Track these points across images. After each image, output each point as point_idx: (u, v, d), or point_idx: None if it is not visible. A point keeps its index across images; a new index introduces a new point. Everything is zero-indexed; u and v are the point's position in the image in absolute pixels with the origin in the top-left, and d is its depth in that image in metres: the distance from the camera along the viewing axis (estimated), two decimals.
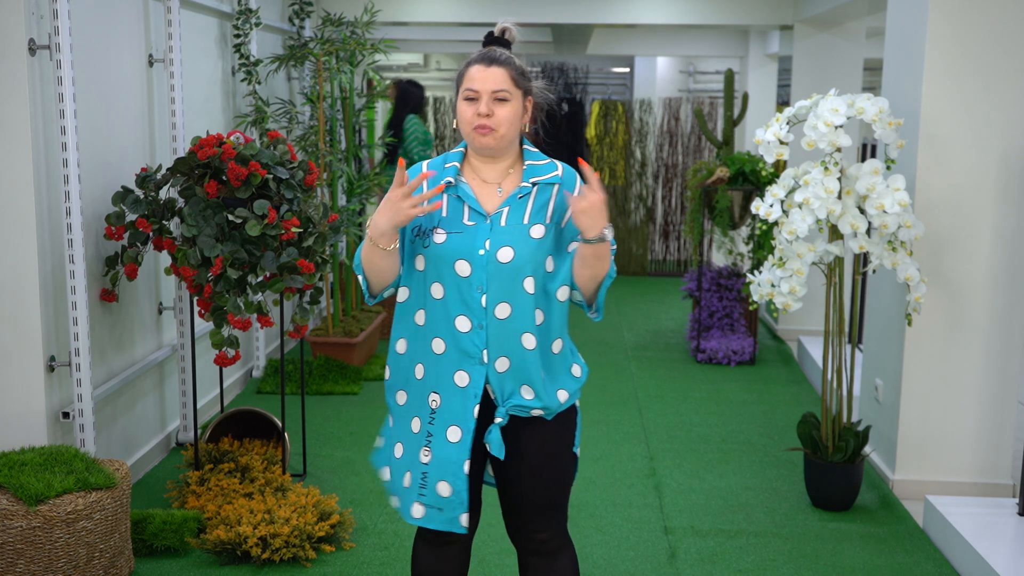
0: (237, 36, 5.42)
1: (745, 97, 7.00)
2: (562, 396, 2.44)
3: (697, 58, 11.61)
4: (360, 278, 2.43)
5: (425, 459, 2.39)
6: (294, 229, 3.76)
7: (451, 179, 2.39)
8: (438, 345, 2.38)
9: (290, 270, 3.83)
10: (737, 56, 10.24)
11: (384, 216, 2.27)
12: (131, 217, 3.95)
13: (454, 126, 2.43)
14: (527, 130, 2.45)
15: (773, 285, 3.91)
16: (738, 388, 5.90)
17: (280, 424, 4.23)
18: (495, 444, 2.38)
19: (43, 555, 3.09)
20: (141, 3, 4.36)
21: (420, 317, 2.41)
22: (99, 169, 3.96)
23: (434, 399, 2.40)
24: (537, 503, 2.49)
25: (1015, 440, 4.35)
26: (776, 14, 7.24)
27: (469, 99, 2.36)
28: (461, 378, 2.37)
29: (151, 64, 4.45)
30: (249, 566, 3.52)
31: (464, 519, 2.39)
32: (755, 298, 3.97)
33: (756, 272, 4.02)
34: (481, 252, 2.34)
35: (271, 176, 3.76)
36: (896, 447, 4.29)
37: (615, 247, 2.37)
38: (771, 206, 3.88)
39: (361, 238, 6.52)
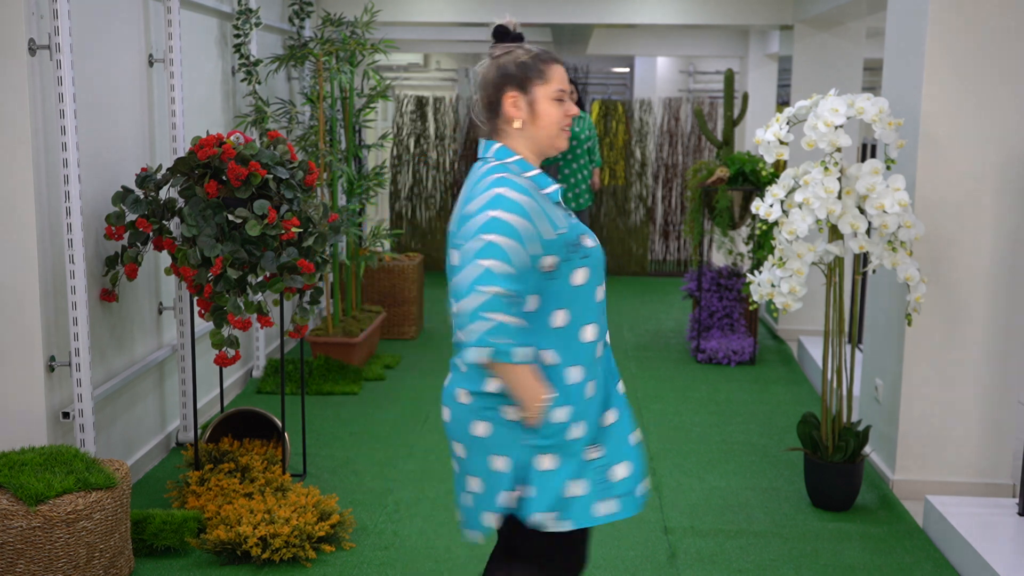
0: (237, 36, 5.42)
1: (745, 97, 7.00)
2: None
3: (697, 58, 11.62)
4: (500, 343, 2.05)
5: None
6: (294, 229, 3.76)
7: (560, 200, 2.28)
8: (600, 350, 2.28)
9: (290, 270, 3.84)
10: (737, 56, 10.25)
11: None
12: (131, 217, 3.95)
13: (519, 125, 2.25)
14: None
15: (773, 285, 3.91)
16: (738, 388, 5.90)
17: (280, 424, 4.23)
18: None
19: (43, 555, 3.09)
20: (141, 3, 4.36)
21: (589, 332, 2.25)
22: (99, 169, 3.96)
23: (610, 416, 2.30)
24: None
25: (1015, 440, 4.34)
26: (776, 14, 7.24)
27: (558, 99, 2.28)
28: (621, 385, 2.35)
29: (151, 64, 4.45)
30: (249, 566, 3.52)
31: None
32: (755, 298, 3.97)
33: (756, 272, 4.02)
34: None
35: (271, 176, 3.76)
36: (896, 447, 4.29)
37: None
38: (771, 206, 3.88)
39: (360, 238, 6.51)
